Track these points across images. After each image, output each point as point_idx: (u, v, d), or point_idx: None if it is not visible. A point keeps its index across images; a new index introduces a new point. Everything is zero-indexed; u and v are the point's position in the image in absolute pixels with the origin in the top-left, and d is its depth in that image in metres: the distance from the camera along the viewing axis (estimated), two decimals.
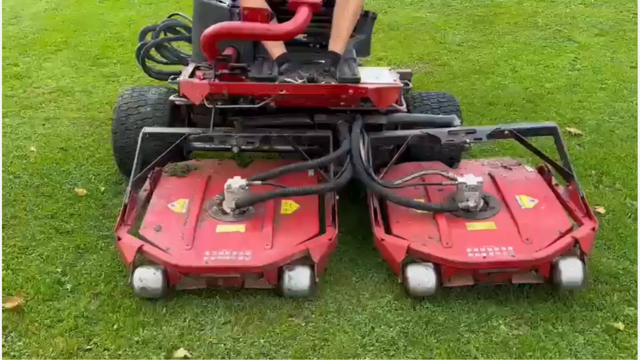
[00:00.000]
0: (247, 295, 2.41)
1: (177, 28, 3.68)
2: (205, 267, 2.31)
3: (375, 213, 2.57)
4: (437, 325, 2.29)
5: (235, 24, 2.70)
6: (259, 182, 2.62)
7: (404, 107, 3.13)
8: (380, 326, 2.28)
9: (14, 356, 2.12)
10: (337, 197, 2.62)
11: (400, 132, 2.96)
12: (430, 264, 2.37)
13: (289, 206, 2.63)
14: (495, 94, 4.40)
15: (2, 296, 2.37)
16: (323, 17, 2.97)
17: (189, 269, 2.34)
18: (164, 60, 3.66)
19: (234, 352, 2.16)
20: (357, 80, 2.85)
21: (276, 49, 3.01)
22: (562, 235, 2.43)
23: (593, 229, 2.48)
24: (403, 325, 2.28)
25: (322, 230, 2.50)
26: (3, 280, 2.46)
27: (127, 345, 2.17)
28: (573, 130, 3.86)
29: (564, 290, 2.40)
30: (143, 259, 2.37)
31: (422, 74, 4.75)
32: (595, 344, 2.22)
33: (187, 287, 2.39)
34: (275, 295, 2.42)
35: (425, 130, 2.90)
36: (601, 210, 3.02)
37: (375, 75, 3.11)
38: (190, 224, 2.48)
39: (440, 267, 2.36)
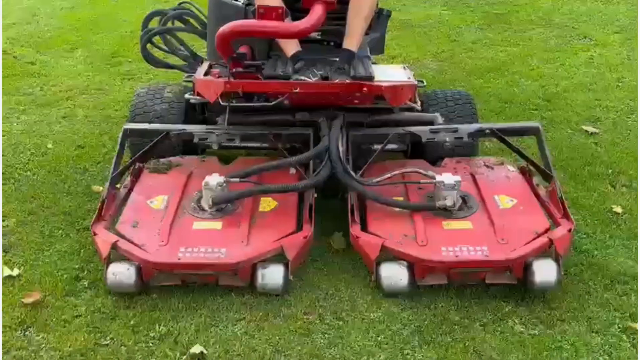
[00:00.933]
0: (262, 293, 2.42)
1: (187, 18, 3.61)
2: (178, 263, 2.32)
3: (353, 210, 2.56)
4: (452, 324, 2.28)
5: (250, 22, 2.71)
6: (237, 179, 2.62)
7: (418, 105, 3.13)
8: (395, 325, 2.28)
9: (33, 351, 2.14)
10: (315, 195, 2.62)
11: (381, 130, 2.93)
12: (404, 262, 2.36)
13: (267, 204, 2.63)
14: (511, 92, 4.37)
15: (22, 292, 2.40)
16: (337, 14, 2.97)
17: (161, 265, 2.35)
18: (166, 48, 3.58)
19: (249, 349, 2.17)
20: (372, 78, 2.84)
21: (290, 46, 3.02)
22: (538, 236, 2.41)
23: (570, 230, 2.45)
24: (418, 324, 2.28)
25: (299, 228, 2.49)
26: (22, 276, 2.49)
27: (143, 341, 2.18)
28: (590, 128, 3.82)
29: (537, 292, 2.37)
30: (118, 254, 2.38)
31: (437, 72, 4.73)
32: (612, 344, 2.20)
33: (161, 283, 2.39)
34: (289, 292, 2.42)
35: (406, 129, 2.89)
36: (618, 209, 2.99)
37: (389, 73, 3.10)
38: (167, 220, 2.48)
39: (414, 265, 2.36)
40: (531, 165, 2.84)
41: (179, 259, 2.31)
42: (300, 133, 2.89)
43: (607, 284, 2.49)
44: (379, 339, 2.22)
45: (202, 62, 3.39)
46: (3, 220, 2.85)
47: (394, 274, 2.35)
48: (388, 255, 2.39)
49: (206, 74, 2.99)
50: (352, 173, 2.64)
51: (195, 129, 2.89)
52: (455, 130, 2.88)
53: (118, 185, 2.76)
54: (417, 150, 3.05)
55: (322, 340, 2.21)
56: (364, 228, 2.52)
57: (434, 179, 2.58)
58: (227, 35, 2.56)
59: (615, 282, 2.50)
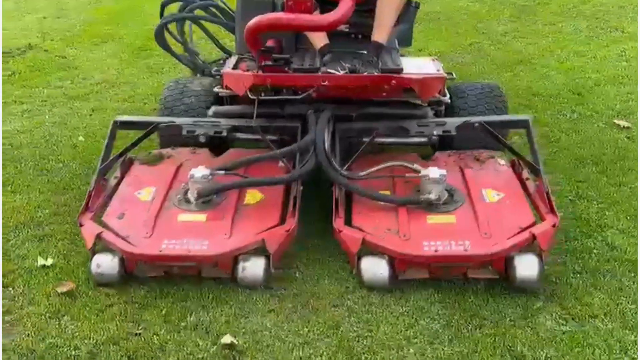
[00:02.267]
0: (290, 285, 2.43)
1: (213, 10, 3.60)
2: (160, 255, 2.33)
3: (337, 204, 2.55)
4: (482, 319, 2.26)
5: (279, 15, 2.70)
6: (222, 172, 2.62)
7: (447, 98, 3.10)
8: (424, 319, 2.27)
9: (67, 339, 2.19)
10: (301, 188, 2.62)
11: (370, 124, 2.90)
12: (385, 256, 2.35)
13: (253, 197, 2.63)
14: (540, 85, 4.30)
15: (56, 281, 2.45)
16: (366, 6, 2.95)
17: (144, 257, 2.37)
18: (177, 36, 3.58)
19: (279, 340, 2.18)
20: (400, 71, 2.83)
21: (319, 39, 3.01)
22: (522, 231, 2.37)
23: (554, 225, 2.41)
24: (447, 319, 2.27)
25: (283, 221, 2.49)
26: (56, 265, 2.54)
27: (175, 330, 2.21)
28: (622, 122, 3.75)
29: (519, 287, 2.34)
30: (104, 245, 2.41)
31: (465, 64, 4.68)
32: None
33: (144, 274, 2.42)
34: (318, 285, 2.44)
35: (395, 122, 2.86)
36: None
37: (418, 65, 3.08)
38: (153, 212, 2.50)
39: (394, 259, 2.34)
40: (519, 160, 2.79)
41: (161, 251, 2.33)
42: (288, 125, 2.88)
43: None
44: (408, 333, 2.22)
45: (199, 72, 3.46)
46: (37, 211, 2.91)
47: (375, 268, 2.35)
48: (370, 249, 2.38)
49: (234, 67, 3.00)
50: (337, 166, 2.62)
51: (184, 121, 2.90)
52: (444, 124, 2.85)
53: (107, 177, 2.78)
54: (445, 143, 3.02)
55: (350, 333, 2.21)
56: (350, 221, 2.51)
57: (420, 172, 2.56)
58: (256, 28, 2.56)
59: None
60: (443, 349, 2.14)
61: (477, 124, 2.84)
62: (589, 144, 3.51)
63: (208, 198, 2.57)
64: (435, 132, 2.82)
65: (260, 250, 2.39)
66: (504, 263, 2.35)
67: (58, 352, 2.13)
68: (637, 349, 2.14)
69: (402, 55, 3.25)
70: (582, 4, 5.86)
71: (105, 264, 2.37)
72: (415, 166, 2.65)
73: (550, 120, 3.80)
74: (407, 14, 3.25)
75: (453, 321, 2.25)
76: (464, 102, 3.13)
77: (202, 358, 2.11)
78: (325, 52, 2.97)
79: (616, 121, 3.76)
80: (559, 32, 5.29)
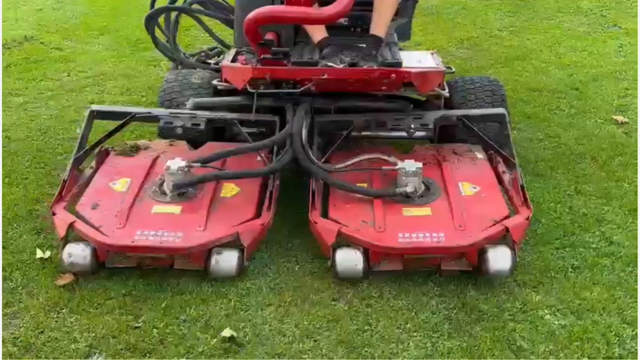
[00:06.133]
0: (289, 278, 2.43)
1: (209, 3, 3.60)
2: (132, 246, 2.32)
3: (314, 196, 2.55)
4: (481, 313, 2.27)
5: (279, 8, 2.70)
6: (199, 164, 2.61)
7: (446, 92, 3.10)
8: (424, 312, 2.27)
9: (66, 332, 2.18)
10: (277, 182, 2.62)
11: (346, 116, 2.90)
12: (359, 247, 2.36)
13: (229, 190, 2.62)
14: (539, 80, 4.31)
15: (55, 274, 2.44)
16: (365, 0, 2.95)
17: (115, 247, 2.36)
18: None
19: (279, 333, 2.18)
20: (399, 65, 2.82)
21: (318, 33, 3.00)
22: (495, 224, 2.39)
23: (527, 218, 2.43)
24: (447, 312, 2.27)
25: (259, 215, 2.49)
26: (54, 258, 2.52)
27: (175, 324, 2.21)
28: (620, 118, 3.75)
29: (492, 278, 2.36)
30: (76, 234, 2.40)
31: (463, 59, 4.67)
32: None
33: (116, 265, 2.41)
34: (318, 278, 2.44)
35: (371, 115, 2.86)
36: None
37: (417, 59, 3.08)
38: (127, 203, 2.49)
39: (369, 251, 2.35)
40: (495, 153, 2.80)
41: (134, 242, 2.32)
42: (266, 119, 2.87)
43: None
44: (408, 326, 2.22)
45: (179, 64, 3.50)
46: (35, 204, 2.90)
47: (349, 260, 2.35)
48: (345, 240, 2.39)
49: (233, 60, 2.99)
50: (314, 159, 2.62)
51: (161, 112, 2.89)
52: (420, 117, 2.85)
53: (81, 167, 2.77)
54: (445, 136, 3.02)
55: (350, 327, 2.22)
56: (326, 213, 2.51)
57: (396, 165, 2.57)
58: (255, 21, 2.55)
59: None
60: (442, 343, 2.15)
61: (454, 118, 2.84)
62: (587, 139, 3.52)
63: (184, 190, 2.55)
64: (413, 126, 2.81)
65: (234, 243, 2.38)
66: (477, 255, 2.36)
67: (57, 345, 2.13)
68: (635, 342, 2.15)
69: (401, 49, 3.24)
70: (579, 0, 5.86)
71: (77, 253, 2.35)
72: (392, 159, 2.65)
73: (548, 115, 3.81)
74: (405, 7, 3.25)
75: (452, 315, 2.26)
76: (463, 96, 3.12)
77: (202, 351, 2.11)
78: (324, 46, 2.95)
79: (614, 116, 3.77)
80: (557, 27, 5.29)
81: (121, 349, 2.11)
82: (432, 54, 3.22)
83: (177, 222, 2.42)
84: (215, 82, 3.10)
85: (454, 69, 3.18)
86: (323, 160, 2.69)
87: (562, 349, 2.13)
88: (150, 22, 3.53)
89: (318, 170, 2.60)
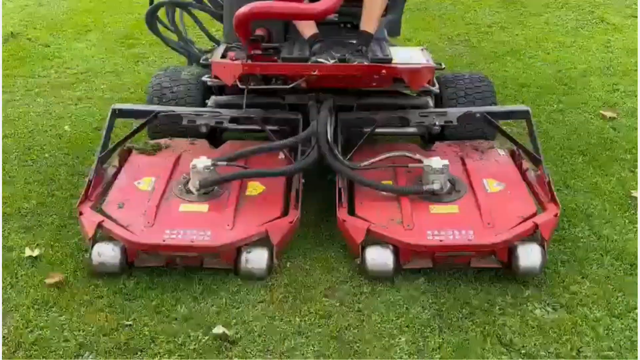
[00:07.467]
0: (281, 275, 2.43)
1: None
2: (163, 244, 2.32)
3: (340, 194, 2.55)
4: (472, 307, 2.28)
5: (269, 3, 2.67)
6: (224, 162, 2.61)
7: (436, 88, 3.10)
8: (415, 308, 2.28)
9: (56, 330, 2.17)
10: (303, 180, 2.62)
11: (370, 113, 2.90)
12: (389, 245, 2.36)
13: (254, 188, 2.62)
14: (527, 75, 4.33)
15: (44, 273, 2.41)
16: None
17: (146, 246, 2.35)
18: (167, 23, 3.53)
19: (271, 330, 2.18)
20: (390, 60, 2.82)
21: (308, 29, 2.99)
22: (524, 221, 2.40)
23: (556, 215, 2.44)
24: (438, 307, 2.28)
25: (286, 213, 2.49)
26: (44, 256, 2.51)
27: (166, 322, 2.20)
28: (608, 113, 3.78)
29: (521, 276, 2.37)
30: (104, 234, 2.39)
31: (452, 55, 4.68)
32: (633, 328, 2.20)
33: (145, 264, 2.40)
34: (309, 275, 2.44)
35: (396, 112, 2.87)
36: (637, 194, 2.96)
37: (407, 55, 3.07)
38: (154, 201, 2.48)
39: (399, 249, 2.36)
40: (520, 149, 2.81)
41: (164, 241, 2.32)
42: (289, 117, 2.87)
43: (627, 269, 2.48)
44: (399, 321, 2.23)
45: (194, 61, 3.40)
46: (23, 202, 2.87)
47: (380, 258, 2.35)
48: (374, 238, 2.39)
49: (223, 56, 2.97)
50: (340, 156, 2.61)
51: (184, 110, 2.88)
52: (444, 114, 2.86)
53: (105, 166, 2.76)
54: (439, 134, 3.02)
55: (342, 323, 2.22)
56: (352, 211, 2.51)
57: (422, 162, 2.57)
58: (245, 17, 2.53)
59: (635, 266, 2.49)
60: (434, 338, 2.16)
61: (478, 115, 2.85)
62: (576, 134, 3.55)
63: (210, 189, 2.55)
64: (437, 122, 2.82)
65: (263, 241, 2.38)
66: (507, 253, 2.36)
67: (47, 343, 2.11)
68: (623, 336, 2.18)
69: (392, 45, 3.24)
70: None
71: (106, 253, 2.33)
72: (418, 156, 2.65)
73: (537, 110, 3.82)
74: (395, 3, 3.25)
75: (443, 310, 2.27)
76: (453, 92, 3.13)
77: (194, 349, 2.10)
78: (314, 42, 2.95)
79: (602, 112, 3.80)
80: (545, 23, 5.32)
81: (112, 348, 2.10)
82: (422, 49, 3.22)
83: (205, 220, 2.41)
84: (205, 78, 3.09)
85: (444, 65, 3.18)
86: (347, 158, 2.69)
87: (552, 342, 2.15)
88: (151, 20, 3.49)
89: (346, 168, 2.59)
